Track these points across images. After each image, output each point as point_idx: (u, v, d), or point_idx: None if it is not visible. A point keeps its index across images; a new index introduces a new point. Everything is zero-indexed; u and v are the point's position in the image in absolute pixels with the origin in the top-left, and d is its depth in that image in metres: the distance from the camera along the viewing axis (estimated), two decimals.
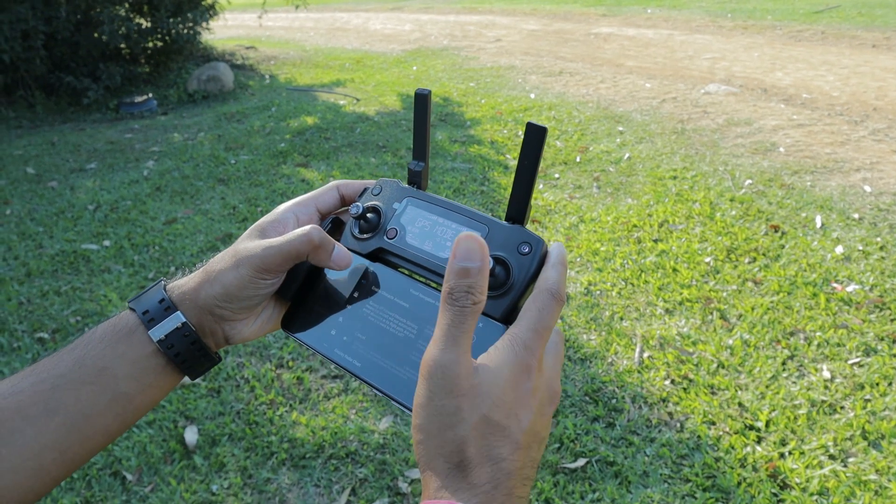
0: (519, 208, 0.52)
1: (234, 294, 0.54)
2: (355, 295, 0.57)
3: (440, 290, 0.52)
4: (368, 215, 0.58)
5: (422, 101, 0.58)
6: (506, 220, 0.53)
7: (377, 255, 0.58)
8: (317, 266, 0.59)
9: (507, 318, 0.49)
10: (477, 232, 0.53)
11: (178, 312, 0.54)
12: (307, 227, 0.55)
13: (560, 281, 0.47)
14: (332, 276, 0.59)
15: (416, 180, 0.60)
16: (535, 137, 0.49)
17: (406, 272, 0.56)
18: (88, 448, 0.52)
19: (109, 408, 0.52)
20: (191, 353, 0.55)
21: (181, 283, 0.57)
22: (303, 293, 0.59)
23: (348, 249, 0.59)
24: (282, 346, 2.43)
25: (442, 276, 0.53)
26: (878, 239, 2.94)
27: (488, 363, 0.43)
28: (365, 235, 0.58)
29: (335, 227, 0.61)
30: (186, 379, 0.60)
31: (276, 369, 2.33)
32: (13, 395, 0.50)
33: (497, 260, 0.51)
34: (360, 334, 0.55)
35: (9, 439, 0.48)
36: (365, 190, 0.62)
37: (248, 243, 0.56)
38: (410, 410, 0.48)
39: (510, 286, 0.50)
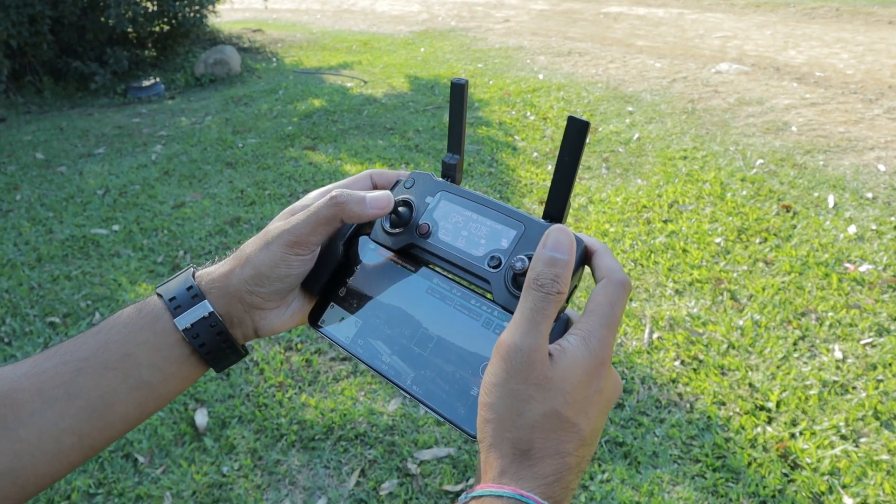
0: (557, 206, 0.50)
1: (266, 274, 0.53)
2: (384, 292, 0.55)
3: (474, 290, 0.52)
4: (400, 209, 0.56)
5: (458, 91, 0.55)
6: (543, 217, 0.51)
7: (408, 251, 0.56)
8: (348, 259, 0.58)
9: None
10: (513, 230, 0.51)
11: (206, 301, 0.52)
12: (329, 189, 0.54)
13: (622, 268, 0.47)
14: (361, 272, 0.57)
15: (451, 173, 0.58)
16: (576, 132, 0.47)
17: (439, 269, 0.55)
18: (107, 435, 0.51)
19: (131, 396, 0.51)
20: (216, 344, 0.53)
21: (211, 271, 0.55)
22: (331, 288, 0.58)
23: (378, 244, 0.57)
24: (290, 329, 2.43)
25: (473, 274, 0.52)
26: (893, 218, 2.90)
27: (564, 357, 0.42)
28: (396, 230, 0.56)
29: None
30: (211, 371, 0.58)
31: (285, 352, 2.34)
32: (35, 376, 0.49)
33: None
34: (388, 332, 0.53)
35: (28, 421, 0.47)
36: (397, 182, 0.59)
37: (277, 222, 0.55)
38: (436, 413, 0.48)
39: None
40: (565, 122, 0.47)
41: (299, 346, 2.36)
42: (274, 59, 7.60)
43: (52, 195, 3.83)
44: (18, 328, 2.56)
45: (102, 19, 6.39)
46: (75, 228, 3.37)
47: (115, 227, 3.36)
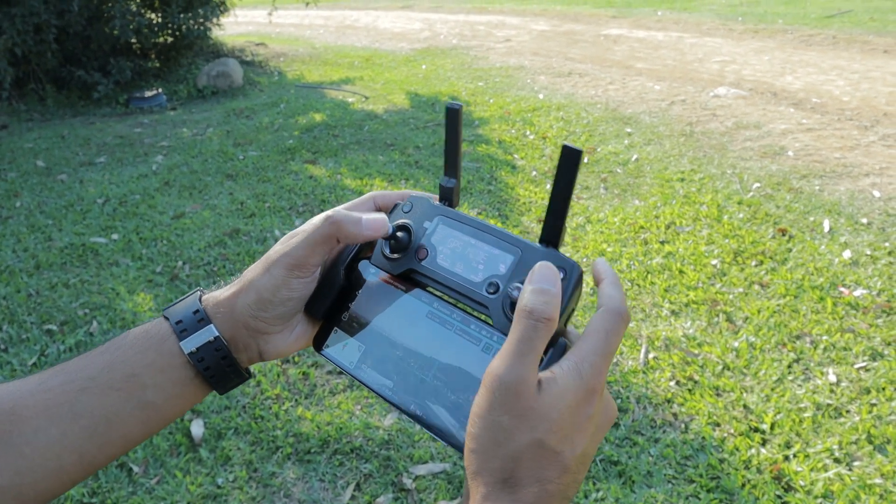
0: (553, 231, 0.51)
1: (268, 298, 0.54)
2: (386, 316, 0.56)
3: (474, 315, 0.53)
4: (399, 234, 0.56)
5: (453, 115, 0.56)
6: (540, 241, 0.52)
7: (408, 276, 0.57)
8: (350, 283, 0.58)
9: None
10: (510, 255, 0.52)
11: (211, 325, 0.54)
12: (327, 212, 0.55)
13: (624, 299, 0.47)
14: (363, 297, 0.58)
15: (448, 197, 0.58)
16: (570, 160, 0.48)
17: (438, 294, 0.56)
18: (108, 453, 0.52)
19: (134, 416, 0.52)
20: (220, 367, 0.54)
21: (217, 295, 0.56)
22: (334, 313, 0.58)
23: (378, 269, 0.58)
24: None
25: (472, 299, 0.52)
26: (887, 244, 2.93)
27: (554, 384, 0.42)
28: (395, 255, 0.57)
29: (366, 243, 0.60)
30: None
31: (282, 364, 2.34)
32: (41, 393, 0.50)
33: None
34: (390, 356, 0.54)
35: (32, 438, 0.48)
36: (396, 206, 0.60)
37: (277, 246, 0.56)
38: (438, 436, 0.49)
39: None
40: (563, 144, 0.48)
41: (296, 358, 2.37)
42: (276, 73, 7.65)
43: (51, 203, 3.84)
44: (15, 335, 2.55)
45: (107, 30, 6.44)
46: (74, 236, 3.37)
47: (115, 236, 3.37)
